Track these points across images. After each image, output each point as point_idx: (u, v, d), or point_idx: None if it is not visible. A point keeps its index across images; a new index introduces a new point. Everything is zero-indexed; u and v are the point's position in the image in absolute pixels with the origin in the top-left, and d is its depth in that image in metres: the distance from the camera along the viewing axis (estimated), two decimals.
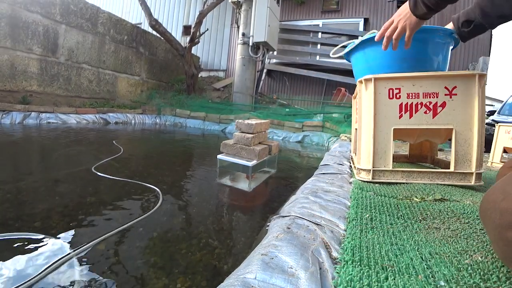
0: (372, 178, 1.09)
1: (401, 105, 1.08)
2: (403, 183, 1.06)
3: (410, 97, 1.07)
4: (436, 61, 1.13)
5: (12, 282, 0.62)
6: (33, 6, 3.90)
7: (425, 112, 1.06)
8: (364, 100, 1.14)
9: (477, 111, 1.00)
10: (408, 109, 1.08)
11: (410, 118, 1.08)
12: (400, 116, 1.08)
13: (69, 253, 0.75)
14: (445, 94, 1.04)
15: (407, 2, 0.95)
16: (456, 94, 1.03)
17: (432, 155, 1.56)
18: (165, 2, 9.41)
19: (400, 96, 1.08)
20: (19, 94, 3.87)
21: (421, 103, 1.06)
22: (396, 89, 1.08)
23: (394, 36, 1.00)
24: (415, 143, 1.43)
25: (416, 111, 1.07)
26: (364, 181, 1.10)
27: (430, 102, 1.05)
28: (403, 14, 0.97)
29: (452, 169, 1.04)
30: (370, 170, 1.09)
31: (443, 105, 1.04)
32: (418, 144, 1.59)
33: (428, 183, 1.04)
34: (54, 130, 3.22)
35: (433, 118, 1.05)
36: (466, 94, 1.02)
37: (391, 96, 1.09)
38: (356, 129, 1.36)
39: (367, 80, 1.11)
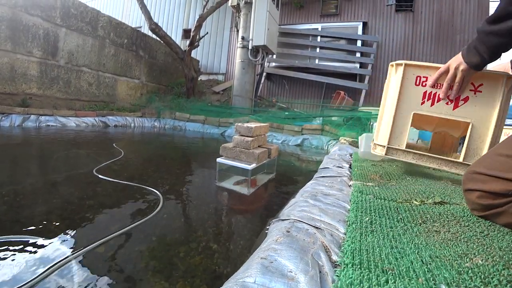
0: (385, 154, 1.18)
1: (425, 93, 1.12)
2: (403, 186, 1.06)
3: (435, 86, 1.11)
4: None
5: (10, 285, 0.62)
6: (34, 9, 3.91)
7: (447, 103, 1.09)
8: (392, 83, 1.22)
9: (497, 111, 1.02)
10: (431, 97, 1.12)
11: (431, 106, 1.12)
12: (422, 103, 1.13)
13: (67, 256, 0.75)
14: (470, 90, 1.06)
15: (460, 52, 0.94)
16: (481, 92, 1.05)
17: (451, 152, 1.57)
18: (165, 6, 9.47)
19: (425, 84, 1.12)
20: (19, 97, 3.87)
21: None
22: (423, 77, 1.12)
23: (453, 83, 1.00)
24: (433, 132, 1.46)
25: (438, 100, 1.11)
26: (364, 184, 1.10)
27: None
28: (458, 59, 0.97)
29: (461, 159, 1.08)
30: (385, 146, 1.18)
31: (466, 99, 1.07)
32: (441, 139, 1.63)
33: (430, 182, 1.04)
34: (54, 133, 3.22)
35: (453, 110, 1.09)
36: (490, 93, 1.03)
37: (417, 83, 1.13)
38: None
39: (398, 65, 1.18)
